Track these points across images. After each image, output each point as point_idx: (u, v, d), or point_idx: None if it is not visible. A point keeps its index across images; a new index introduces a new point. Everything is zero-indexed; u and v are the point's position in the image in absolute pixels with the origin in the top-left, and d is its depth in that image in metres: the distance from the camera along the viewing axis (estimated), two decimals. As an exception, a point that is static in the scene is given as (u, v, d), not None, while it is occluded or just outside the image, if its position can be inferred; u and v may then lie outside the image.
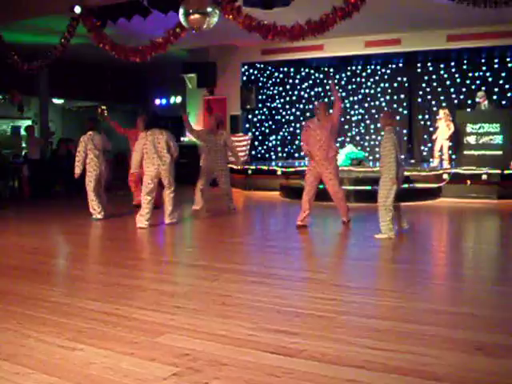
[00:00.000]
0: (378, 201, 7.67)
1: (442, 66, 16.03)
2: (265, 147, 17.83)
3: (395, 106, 16.72)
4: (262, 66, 17.35)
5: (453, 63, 15.85)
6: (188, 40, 11.86)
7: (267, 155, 17.80)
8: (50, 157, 15.48)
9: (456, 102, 15.75)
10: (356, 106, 17.32)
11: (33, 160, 13.99)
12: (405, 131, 16.61)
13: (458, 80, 15.85)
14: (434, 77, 16.18)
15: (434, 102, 15.98)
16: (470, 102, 15.23)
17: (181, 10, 9.06)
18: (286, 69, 17.95)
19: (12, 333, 3.94)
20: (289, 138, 18.32)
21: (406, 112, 16.68)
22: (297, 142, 18.24)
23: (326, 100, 17.77)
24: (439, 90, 16.08)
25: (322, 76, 17.87)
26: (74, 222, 9.61)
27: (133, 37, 11.80)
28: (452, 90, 15.92)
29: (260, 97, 17.24)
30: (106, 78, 19.14)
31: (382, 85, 16.96)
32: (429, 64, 16.21)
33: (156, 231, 8.67)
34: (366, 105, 17.19)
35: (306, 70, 18.01)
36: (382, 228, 7.65)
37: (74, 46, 12.15)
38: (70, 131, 18.74)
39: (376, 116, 16.99)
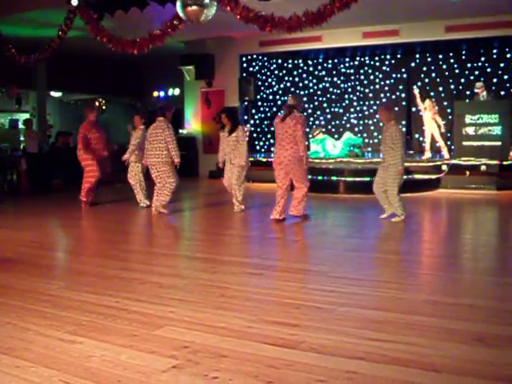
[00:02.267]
0: (388, 190, 8.31)
1: (440, 56, 16.01)
2: (263, 139, 17.82)
3: (394, 97, 16.73)
4: (260, 57, 17.32)
5: (451, 54, 15.83)
6: (186, 32, 11.84)
7: (266, 147, 17.79)
8: (48, 150, 15.46)
9: (455, 92, 15.75)
10: (354, 98, 17.30)
11: (31, 153, 13.97)
12: (403, 122, 16.62)
13: (457, 71, 15.84)
14: (432, 68, 16.16)
15: (432, 93, 15.95)
16: (468, 92, 15.23)
17: (178, 2, 9.03)
18: (284, 60, 17.92)
19: (11, 326, 3.95)
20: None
21: (404, 103, 16.68)
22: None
23: (324, 91, 17.81)
24: (438, 80, 16.06)
25: (319, 67, 17.84)
26: (72, 216, 9.60)
27: (130, 29, 11.76)
28: (450, 80, 15.91)
29: (258, 88, 17.22)
30: (104, 70, 19.10)
31: (380, 76, 16.94)
32: (427, 55, 16.18)
33: (154, 224, 8.67)
34: (364, 96, 17.17)
35: (305, 61, 17.98)
36: (398, 212, 8.28)
37: (72, 38, 12.12)
38: (68, 124, 18.72)
39: (374, 107, 16.99)
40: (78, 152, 10.23)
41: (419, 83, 16.31)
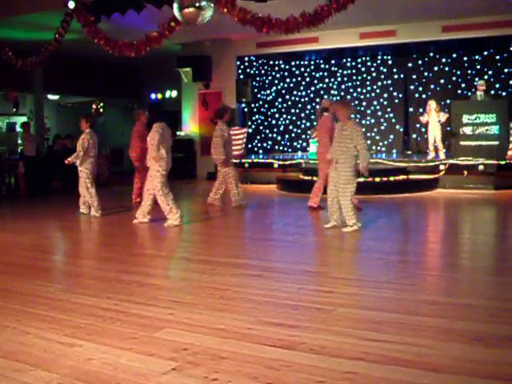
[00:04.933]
0: (343, 195, 7.46)
1: (437, 56, 16.03)
2: (261, 140, 17.83)
3: (391, 97, 16.74)
4: (257, 59, 17.33)
5: (448, 54, 15.84)
6: (183, 34, 11.83)
7: (264, 148, 17.80)
8: (45, 153, 15.45)
9: (452, 92, 15.76)
10: (352, 98, 17.29)
11: (29, 157, 13.96)
12: (401, 122, 16.67)
13: (454, 70, 15.85)
14: (429, 68, 16.18)
15: (429, 93, 15.99)
16: (466, 92, 15.24)
17: (175, 4, 9.03)
18: (281, 61, 17.94)
19: (11, 330, 3.95)
20: (284, 130, 18.34)
21: (401, 103, 16.68)
22: (293, 135, 18.26)
23: (322, 92, 17.83)
24: (435, 80, 16.09)
25: (317, 68, 17.87)
26: (70, 218, 9.59)
27: (127, 31, 11.75)
28: (447, 80, 15.92)
29: (256, 90, 17.23)
30: (101, 73, 19.09)
31: (377, 76, 16.96)
32: (424, 55, 16.20)
33: (152, 226, 8.66)
34: (362, 96, 17.20)
35: (302, 62, 18.00)
36: (350, 222, 7.50)
37: (69, 41, 12.11)
38: (66, 127, 18.70)
39: (372, 108, 17.02)
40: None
41: (416, 83, 16.37)
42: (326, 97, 17.62)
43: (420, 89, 16.39)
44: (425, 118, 13.57)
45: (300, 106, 18.18)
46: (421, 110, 16.11)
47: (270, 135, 18.14)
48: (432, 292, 4.78)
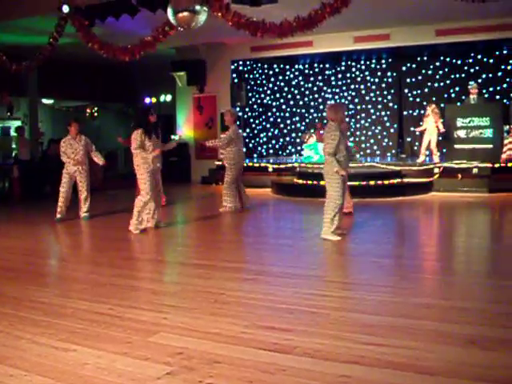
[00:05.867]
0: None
1: (430, 60, 16.10)
2: (256, 144, 17.84)
3: (385, 100, 16.79)
4: (251, 62, 17.36)
5: (441, 57, 15.92)
6: (177, 38, 11.83)
7: (258, 152, 17.81)
8: (40, 157, 15.42)
9: (445, 96, 15.82)
10: (346, 101, 17.34)
11: (23, 161, 13.93)
12: (395, 125, 16.73)
13: (447, 74, 15.92)
14: (423, 71, 16.25)
15: (423, 97, 16.05)
16: (459, 96, 15.30)
17: (169, 8, 9.04)
18: (275, 65, 17.98)
19: (4, 335, 3.93)
20: (278, 133, 18.36)
21: (395, 106, 16.74)
22: (287, 139, 18.28)
23: (317, 96, 17.88)
24: (428, 84, 16.15)
25: (311, 72, 17.92)
26: (64, 223, 9.56)
27: (121, 36, 11.75)
28: (441, 84, 15.98)
29: (250, 93, 17.26)
30: (96, 77, 19.08)
31: (371, 80, 17.02)
32: (418, 58, 16.28)
33: (147, 231, 8.64)
34: (357, 100, 17.25)
35: (296, 66, 18.04)
36: (327, 228, 7.35)
37: (63, 45, 12.09)
38: (60, 131, 18.66)
39: (366, 111, 17.07)
40: None
41: (410, 87, 16.43)
42: (320, 100, 17.71)
43: (414, 92, 16.45)
44: (422, 126, 13.59)
45: (294, 109, 18.22)
46: (415, 114, 16.24)
47: (265, 139, 18.16)
48: (427, 295, 4.78)
